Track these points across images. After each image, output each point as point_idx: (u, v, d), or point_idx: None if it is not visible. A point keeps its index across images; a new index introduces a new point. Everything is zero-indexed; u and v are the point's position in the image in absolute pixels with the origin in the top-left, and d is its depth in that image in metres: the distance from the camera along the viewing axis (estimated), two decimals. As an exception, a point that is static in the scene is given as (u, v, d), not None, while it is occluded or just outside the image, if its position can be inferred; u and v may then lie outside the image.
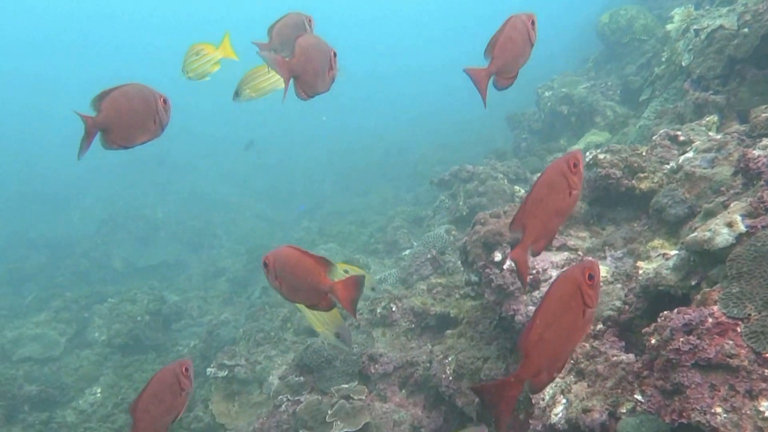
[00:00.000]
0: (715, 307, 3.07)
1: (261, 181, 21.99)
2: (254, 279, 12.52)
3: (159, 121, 3.19)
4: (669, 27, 7.91)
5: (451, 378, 5.25)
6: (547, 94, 11.60)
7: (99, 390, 9.58)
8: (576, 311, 2.38)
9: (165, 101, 3.20)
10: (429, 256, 7.87)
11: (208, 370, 7.55)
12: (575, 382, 3.77)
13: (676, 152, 5.12)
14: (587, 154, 5.56)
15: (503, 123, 13.83)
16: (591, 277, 2.38)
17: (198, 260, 15.47)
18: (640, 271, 4.19)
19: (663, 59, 8.05)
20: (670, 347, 2.98)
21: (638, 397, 3.41)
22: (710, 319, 2.99)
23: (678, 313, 3.09)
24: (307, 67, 3.27)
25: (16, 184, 22.51)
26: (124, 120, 3.10)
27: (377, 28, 48.42)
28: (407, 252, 10.10)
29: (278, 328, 8.72)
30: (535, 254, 2.72)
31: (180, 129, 26.08)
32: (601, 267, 4.45)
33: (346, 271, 5.96)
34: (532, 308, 4.59)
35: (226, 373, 7.36)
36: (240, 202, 19.88)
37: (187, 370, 3.11)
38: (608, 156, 5.06)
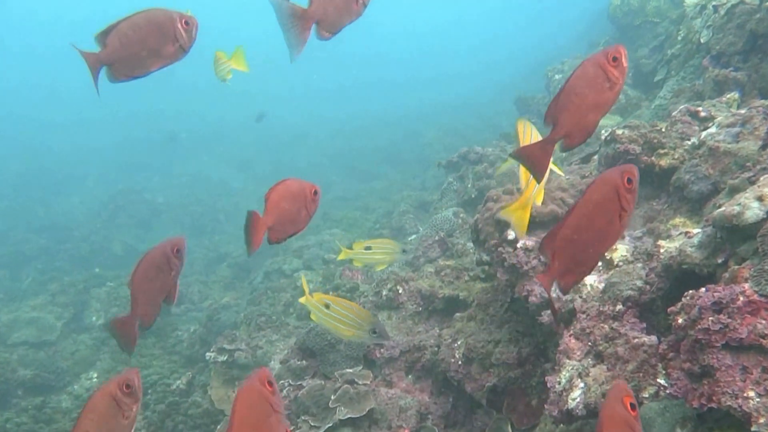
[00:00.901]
0: (746, 285, 2.89)
1: (265, 166, 21.84)
2: (257, 264, 12.33)
3: (180, 43, 2.98)
4: (687, 2, 7.67)
5: (460, 363, 5.07)
6: (557, 77, 11.42)
7: (95, 375, 9.45)
8: (612, 214, 2.34)
9: (187, 22, 2.99)
10: (437, 238, 7.69)
11: (207, 354, 7.37)
12: (593, 366, 3.58)
13: (697, 128, 4.90)
14: (603, 132, 5.35)
15: (512, 108, 13.64)
16: (629, 181, 2.33)
17: (200, 245, 15.33)
18: (662, 250, 3.98)
19: (679, 38, 7.84)
20: (699, 327, 2.80)
21: (662, 381, 3.23)
22: (741, 298, 2.80)
23: (707, 290, 2.90)
24: (328, 10, 3.02)
25: (16, 165, 22.33)
26: (133, 50, 2.91)
27: (397, 36, 48.10)
28: (413, 237, 9.93)
29: (280, 313, 8.57)
30: (567, 149, 2.57)
31: (183, 113, 25.95)
32: (620, 246, 4.28)
33: (368, 248, 5.82)
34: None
35: (226, 357, 7.18)
36: (244, 187, 19.78)
37: (178, 250, 3.03)
38: (626, 132, 4.84)
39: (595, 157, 5.54)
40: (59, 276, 12.47)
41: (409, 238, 10.11)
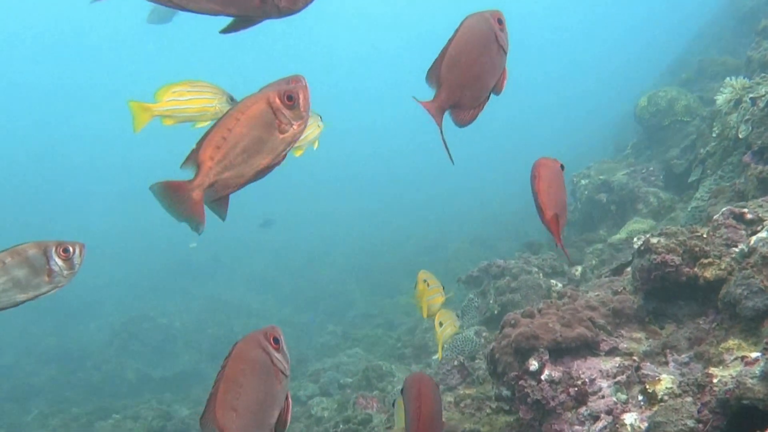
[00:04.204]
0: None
1: (285, 285, 21.48)
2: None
3: None
4: (719, 99, 7.14)
5: None
6: (583, 182, 10.90)
7: None
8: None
9: None
10: (456, 363, 7.04)
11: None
12: None
13: (744, 233, 4.29)
14: (635, 239, 4.75)
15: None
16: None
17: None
18: (715, 380, 3.37)
19: (714, 134, 7.29)
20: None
21: None
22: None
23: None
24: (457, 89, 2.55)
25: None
26: None
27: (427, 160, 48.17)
28: (436, 357, 9.33)
29: (293, 445, 7.93)
30: (460, 124, 2.50)
31: (201, 236, 25.76)
32: (664, 376, 3.66)
33: (425, 281, 5.72)
34: (578, 428, 3.74)
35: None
36: (263, 308, 19.38)
37: (276, 340, 2.34)
38: (663, 240, 4.22)
39: (629, 269, 4.92)
40: (67, 407, 11.97)
41: (433, 357, 9.52)
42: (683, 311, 4.17)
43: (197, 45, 44.29)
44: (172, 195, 2.30)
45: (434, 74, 2.44)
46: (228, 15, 2.29)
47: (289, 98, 2.31)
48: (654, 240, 4.27)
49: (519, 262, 8.72)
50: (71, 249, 2.84)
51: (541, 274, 8.44)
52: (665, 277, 4.12)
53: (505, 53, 2.57)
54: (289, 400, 2.35)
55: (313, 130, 4.46)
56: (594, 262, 8.66)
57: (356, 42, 56.98)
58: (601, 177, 10.56)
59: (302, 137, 4.64)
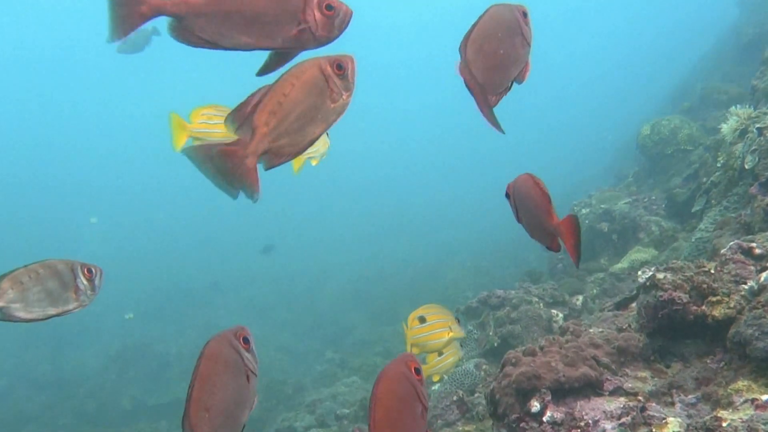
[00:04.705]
0: None
1: (283, 311, 21.27)
2: (271, 418, 11.57)
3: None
4: (723, 128, 7.04)
5: None
6: (584, 211, 10.81)
7: None
8: None
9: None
10: (455, 398, 6.89)
11: None
12: None
13: (753, 268, 4.14)
14: (639, 272, 4.61)
15: (537, 244, 13.04)
16: None
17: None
18: (724, 424, 3.23)
19: (718, 164, 7.18)
20: None
21: None
22: None
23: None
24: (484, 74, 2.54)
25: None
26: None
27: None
28: (435, 387, 9.17)
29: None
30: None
31: (198, 261, 25.61)
32: (670, 418, 3.51)
33: (422, 317, 5.60)
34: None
35: None
36: (260, 334, 19.10)
37: (246, 340, 2.35)
38: (669, 276, 4.08)
39: (633, 305, 4.78)
40: (60, 437, 11.81)
41: (433, 388, 9.37)
42: (690, 350, 4.03)
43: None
44: (223, 161, 2.22)
45: (462, 54, 2.45)
46: (263, 49, 2.27)
47: (339, 67, 2.29)
48: (660, 276, 4.13)
49: (519, 292, 8.62)
50: (93, 271, 3.01)
51: (541, 304, 8.33)
52: (672, 316, 3.98)
53: (529, 46, 2.58)
54: (256, 400, 2.36)
55: (323, 143, 4.35)
56: (595, 291, 8.58)
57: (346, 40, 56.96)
58: (602, 206, 10.47)
59: (313, 150, 4.52)
